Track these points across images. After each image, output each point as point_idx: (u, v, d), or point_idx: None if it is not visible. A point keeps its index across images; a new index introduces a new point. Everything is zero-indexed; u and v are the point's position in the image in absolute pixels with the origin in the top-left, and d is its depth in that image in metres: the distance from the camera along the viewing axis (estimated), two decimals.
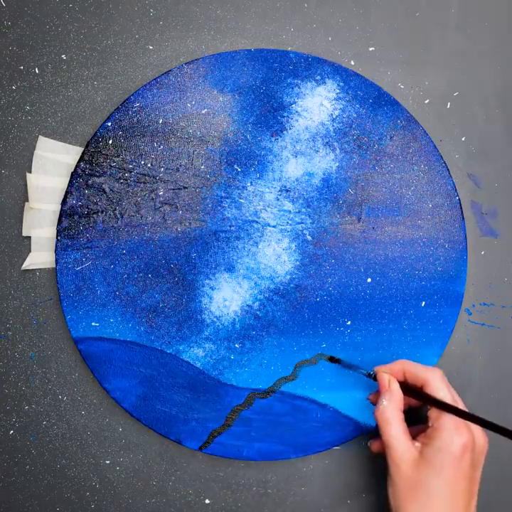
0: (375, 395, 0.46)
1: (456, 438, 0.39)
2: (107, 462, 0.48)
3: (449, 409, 0.40)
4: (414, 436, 0.41)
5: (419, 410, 0.47)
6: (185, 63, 0.48)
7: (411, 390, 0.42)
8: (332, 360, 0.47)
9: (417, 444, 0.40)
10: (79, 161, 0.47)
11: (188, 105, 0.47)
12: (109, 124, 0.47)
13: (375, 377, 0.44)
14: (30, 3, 0.49)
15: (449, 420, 0.40)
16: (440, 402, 0.41)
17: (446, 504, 0.39)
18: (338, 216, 0.48)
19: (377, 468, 0.49)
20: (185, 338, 0.47)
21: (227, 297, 0.47)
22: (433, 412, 0.41)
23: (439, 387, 0.41)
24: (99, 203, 0.47)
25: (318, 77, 0.48)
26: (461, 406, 0.42)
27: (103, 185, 0.47)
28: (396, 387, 0.42)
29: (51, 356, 0.48)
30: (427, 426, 0.41)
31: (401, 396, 0.42)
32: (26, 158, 0.48)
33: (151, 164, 0.47)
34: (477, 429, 0.41)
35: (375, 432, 0.46)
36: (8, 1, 0.49)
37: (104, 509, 0.48)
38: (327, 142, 0.48)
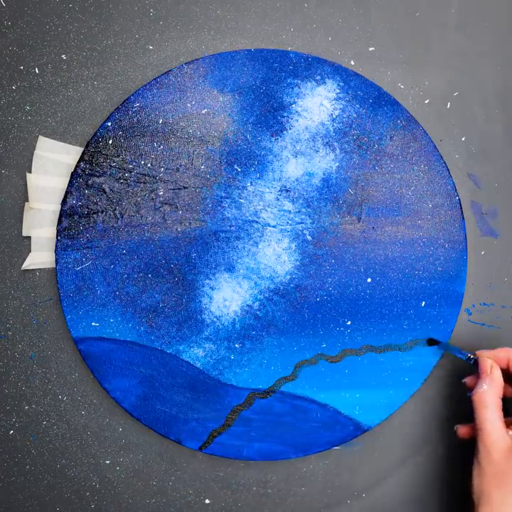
0: (472, 378, 0.45)
1: None
2: (107, 462, 0.48)
3: None
4: (507, 426, 0.41)
5: None
6: (185, 63, 0.48)
7: None
8: (430, 342, 0.47)
9: (511, 433, 0.41)
10: (79, 161, 0.47)
11: (188, 105, 0.47)
12: (109, 124, 0.47)
13: (475, 362, 0.43)
14: (30, 3, 0.49)
15: None
16: None
17: None
18: (338, 216, 0.48)
19: (377, 469, 0.49)
20: (185, 338, 0.47)
21: (227, 297, 0.47)
22: None
23: None
24: (99, 203, 0.47)
25: (318, 77, 0.48)
26: None
27: (103, 185, 0.47)
28: (498, 374, 0.42)
29: (51, 356, 0.48)
30: None
31: (502, 383, 0.42)
32: (26, 158, 0.48)
33: (151, 164, 0.47)
34: None
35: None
36: (8, 1, 0.49)
37: (104, 509, 0.48)
38: (327, 142, 0.48)
